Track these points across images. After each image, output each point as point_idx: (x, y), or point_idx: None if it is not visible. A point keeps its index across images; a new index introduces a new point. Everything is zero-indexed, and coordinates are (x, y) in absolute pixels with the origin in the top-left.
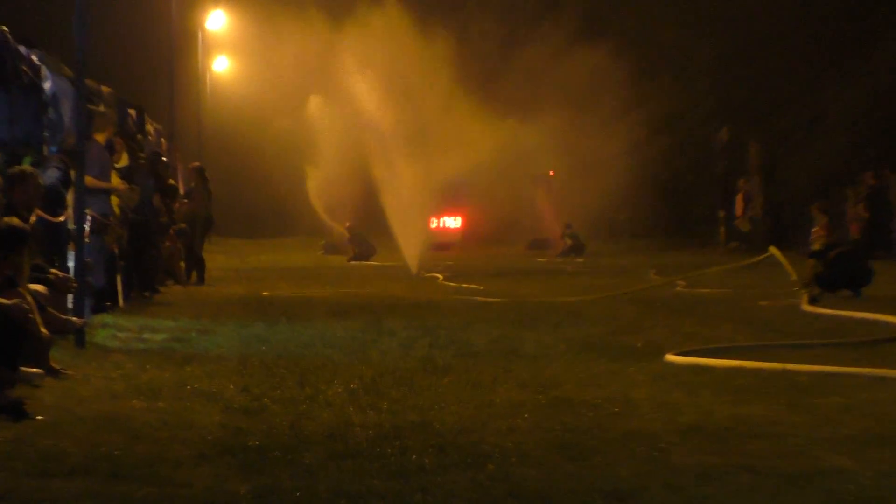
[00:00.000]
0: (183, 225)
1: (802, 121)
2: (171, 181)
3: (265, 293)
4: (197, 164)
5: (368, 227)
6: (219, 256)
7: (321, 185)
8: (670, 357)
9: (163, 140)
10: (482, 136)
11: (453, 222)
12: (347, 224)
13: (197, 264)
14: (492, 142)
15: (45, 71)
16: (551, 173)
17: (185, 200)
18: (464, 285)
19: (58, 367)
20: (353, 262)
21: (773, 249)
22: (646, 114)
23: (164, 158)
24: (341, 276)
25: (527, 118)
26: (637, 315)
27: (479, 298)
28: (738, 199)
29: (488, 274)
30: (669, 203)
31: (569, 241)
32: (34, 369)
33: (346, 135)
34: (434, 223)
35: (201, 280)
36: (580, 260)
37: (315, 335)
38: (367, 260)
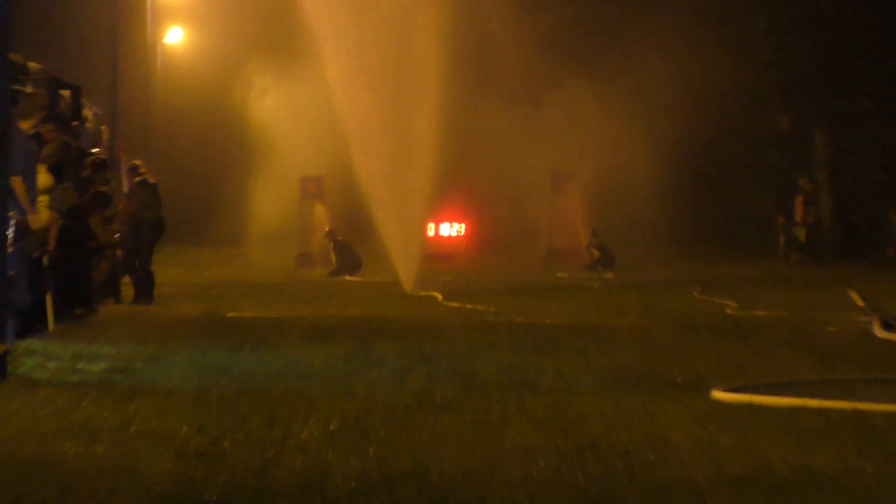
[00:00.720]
0: (116, 232)
1: (876, 104)
2: (104, 188)
3: (227, 314)
4: (136, 161)
5: (352, 235)
6: (170, 269)
7: (294, 184)
8: (718, 393)
9: (103, 128)
10: (489, 123)
11: (454, 229)
12: (327, 229)
13: (143, 279)
14: (502, 131)
15: None
16: (573, 169)
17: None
18: (468, 305)
19: None
20: (333, 277)
21: (853, 294)
22: (690, 95)
23: (95, 152)
24: (319, 294)
25: (545, 101)
26: (678, 341)
27: (488, 319)
28: (798, 201)
29: (497, 291)
30: (717, 204)
31: (595, 252)
32: None
33: (324, 121)
34: (431, 230)
35: (149, 297)
36: (609, 275)
37: (287, 364)
38: (352, 275)
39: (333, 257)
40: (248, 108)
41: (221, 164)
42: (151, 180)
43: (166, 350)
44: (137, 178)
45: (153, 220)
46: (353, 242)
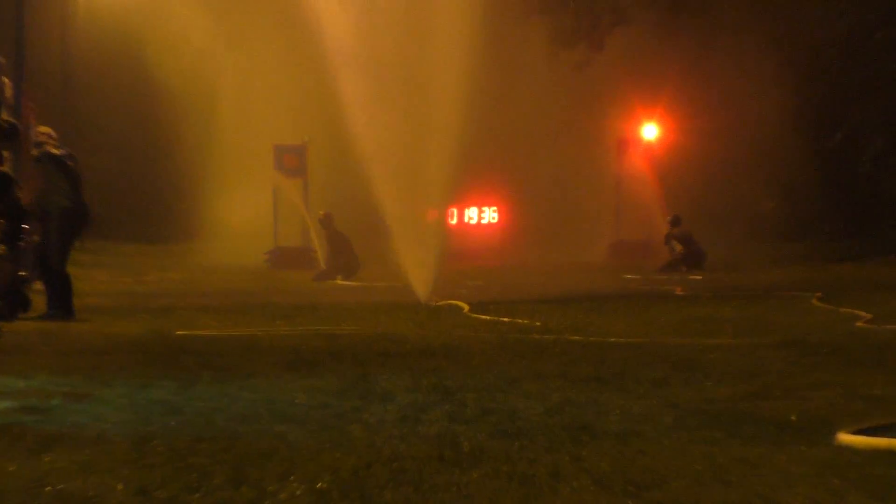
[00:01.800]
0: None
1: None
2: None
3: (177, 332)
4: (42, 129)
5: (345, 225)
6: (98, 272)
7: (265, 157)
8: (845, 436)
9: (5, 80)
10: (533, 73)
11: (485, 216)
12: (322, 214)
13: (56, 285)
14: (550, 84)
15: None
16: (643, 135)
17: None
18: (504, 319)
19: None
20: (321, 281)
21: None
22: (790, 48)
23: None
24: (302, 305)
25: (608, 43)
26: (790, 367)
27: (532, 338)
28: None
29: (544, 299)
30: (844, 184)
31: (678, 247)
32: None
33: (305, 75)
34: (454, 217)
35: (66, 310)
36: (697, 276)
37: (259, 401)
38: (347, 278)
39: (322, 253)
40: (201, 68)
41: (166, 139)
42: (56, 152)
43: (94, 382)
44: (36, 152)
45: (65, 207)
46: (350, 235)
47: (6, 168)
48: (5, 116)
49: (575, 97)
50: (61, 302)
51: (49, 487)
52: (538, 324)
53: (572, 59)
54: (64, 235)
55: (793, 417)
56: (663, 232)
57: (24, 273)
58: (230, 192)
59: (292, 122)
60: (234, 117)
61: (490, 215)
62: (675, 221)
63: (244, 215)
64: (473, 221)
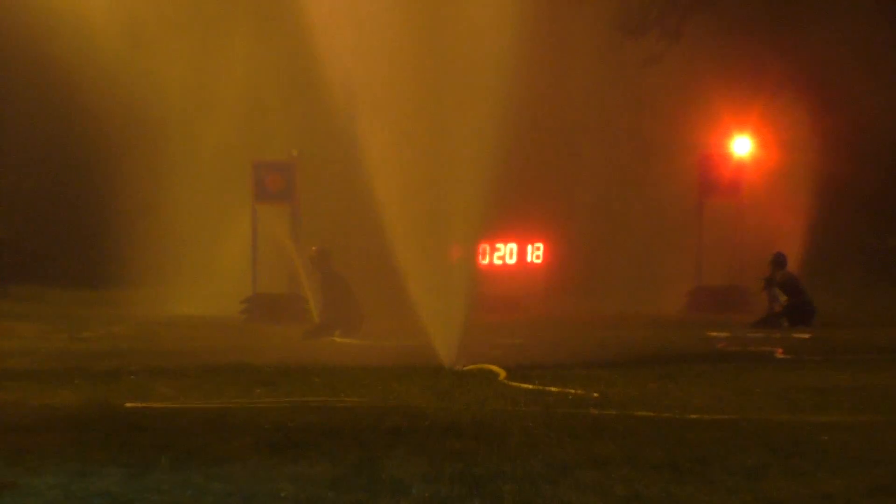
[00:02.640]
0: None
1: None
2: None
3: (126, 404)
4: None
5: (345, 267)
6: (21, 325)
7: (240, 178)
8: None
9: None
10: (588, 70)
11: (527, 254)
12: (314, 249)
13: None
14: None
15: None
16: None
17: None
18: (551, 388)
19: None
20: (313, 339)
21: None
22: None
23: None
24: (289, 369)
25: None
26: None
27: (587, 413)
28: None
29: (602, 363)
30: None
31: (781, 297)
32: None
33: (291, 75)
34: (486, 256)
35: None
36: (803, 334)
37: (234, 494)
38: (347, 335)
39: (315, 302)
40: (156, 66)
41: (112, 154)
42: None
43: (18, 469)
44: None
45: None
46: (351, 279)
47: None
48: None
49: (643, 102)
50: None
51: None
52: (596, 395)
53: (640, 51)
54: None
55: None
56: (762, 275)
57: None
58: (195, 223)
59: (275, 134)
60: (201, 127)
61: (532, 254)
62: (779, 262)
63: (213, 253)
64: (511, 261)
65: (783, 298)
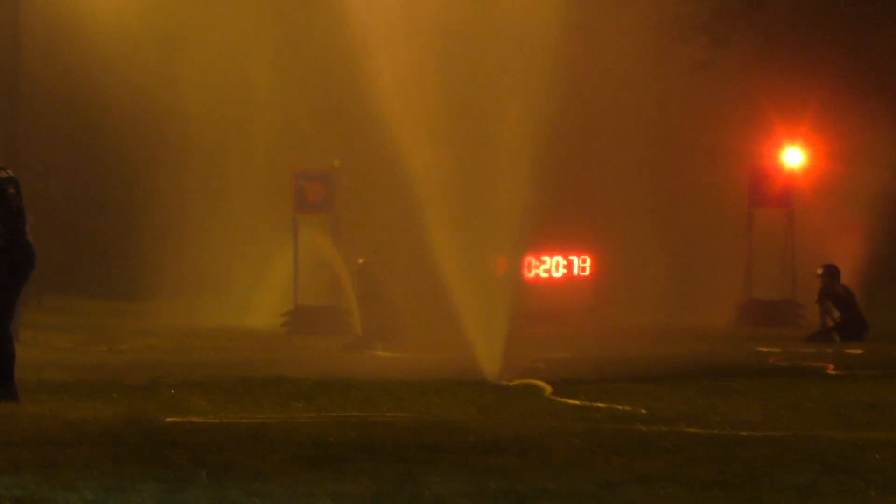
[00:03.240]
0: None
1: None
2: None
3: (164, 418)
4: None
5: (391, 280)
6: (58, 337)
7: (280, 187)
8: None
9: None
10: (635, 78)
11: (573, 267)
12: (361, 261)
13: None
14: (658, 92)
15: None
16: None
17: None
18: (598, 404)
19: None
20: (354, 352)
21: None
22: None
23: None
24: (329, 382)
25: (735, 38)
26: None
27: (635, 429)
28: None
29: (651, 378)
30: None
31: (835, 312)
32: None
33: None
34: (531, 269)
35: (7, 388)
36: (856, 350)
37: None
38: (388, 348)
39: (357, 314)
40: (195, 72)
41: (148, 161)
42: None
43: (52, 484)
44: None
45: (1, 245)
46: (397, 290)
47: None
48: None
49: (692, 111)
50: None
51: None
52: (643, 411)
53: (689, 59)
54: (10, 289)
55: None
56: (815, 288)
57: None
58: (234, 234)
59: (317, 144)
60: (240, 135)
61: (578, 265)
62: (832, 275)
63: (253, 264)
64: (557, 274)
65: (836, 314)
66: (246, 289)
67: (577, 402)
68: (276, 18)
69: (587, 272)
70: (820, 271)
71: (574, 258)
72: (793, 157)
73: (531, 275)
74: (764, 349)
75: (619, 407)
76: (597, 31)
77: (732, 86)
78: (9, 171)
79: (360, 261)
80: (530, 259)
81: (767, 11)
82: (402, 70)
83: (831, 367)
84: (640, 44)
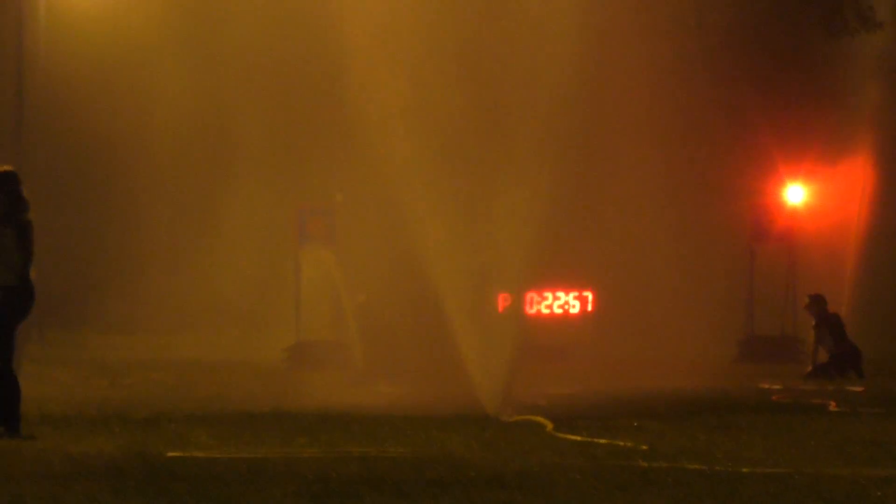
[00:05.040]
0: None
1: None
2: None
3: (167, 453)
4: (6, 169)
5: (393, 314)
6: (59, 371)
7: (282, 222)
8: None
9: None
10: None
11: (573, 303)
12: (362, 299)
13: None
14: (659, 133)
15: None
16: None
17: None
18: (599, 441)
19: None
20: (357, 387)
21: None
22: None
23: None
24: (331, 418)
25: (736, 81)
26: None
27: (637, 465)
28: None
29: (652, 414)
30: None
31: (830, 343)
32: None
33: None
34: (533, 305)
35: (12, 424)
36: (857, 388)
37: None
38: (391, 383)
39: (358, 350)
40: (198, 108)
41: (151, 195)
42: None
43: None
44: None
45: (12, 285)
46: (396, 323)
47: None
48: None
49: (694, 146)
50: (4, 412)
51: None
52: (645, 447)
53: (691, 93)
54: (8, 322)
55: None
56: (808, 322)
57: None
58: (236, 268)
59: (320, 180)
60: (244, 169)
61: (581, 302)
62: (818, 303)
63: (254, 298)
64: (559, 310)
65: (830, 343)
66: (248, 323)
67: (578, 438)
68: (281, 46)
69: (589, 308)
70: (807, 301)
71: (576, 294)
72: (795, 193)
73: (533, 311)
74: (765, 385)
75: (621, 443)
76: (597, 66)
77: (736, 123)
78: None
79: (361, 298)
80: (532, 295)
81: (768, 48)
82: (402, 103)
83: (833, 403)
84: (642, 79)
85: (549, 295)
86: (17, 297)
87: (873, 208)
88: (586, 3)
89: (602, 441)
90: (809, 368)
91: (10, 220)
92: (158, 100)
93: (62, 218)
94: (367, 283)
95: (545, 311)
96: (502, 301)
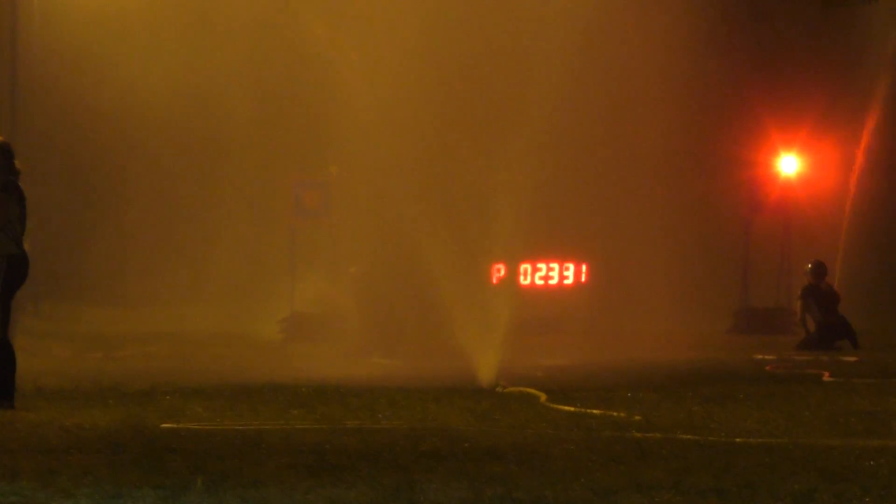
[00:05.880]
0: None
1: None
2: None
3: (161, 424)
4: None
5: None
6: (55, 344)
7: (276, 194)
8: None
9: None
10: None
11: (567, 275)
12: (353, 270)
13: None
14: (654, 104)
15: None
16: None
17: None
18: (593, 411)
19: None
20: (352, 359)
21: None
22: None
23: None
24: (326, 390)
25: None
26: None
27: (630, 436)
28: None
29: (645, 385)
30: None
31: (816, 312)
32: None
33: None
34: (527, 276)
35: (6, 395)
36: (850, 358)
37: None
38: (385, 355)
39: (354, 322)
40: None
41: (145, 169)
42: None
43: (50, 491)
44: None
45: (14, 254)
46: (391, 294)
47: None
48: None
49: (689, 118)
50: (2, 385)
51: None
52: (638, 418)
53: (688, 66)
54: (9, 291)
55: None
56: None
57: None
58: (231, 240)
59: (314, 150)
60: (238, 141)
61: (575, 273)
62: (817, 273)
63: (249, 270)
64: (553, 281)
65: (816, 313)
66: (243, 295)
67: (572, 409)
68: (274, 23)
69: (583, 279)
70: (809, 267)
71: (570, 265)
72: (789, 164)
73: (527, 282)
74: (760, 357)
75: (615, 414)
76: (590, 39)
77: (730, 94)
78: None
79: (352, 269)
80: (526, 266)
81: (763, 18)
82: (397, 76)
83: (827, 374)
84: (635, 51)
85: (543, 266)
86: (17, 267)
87: (868, 178)
88: None
89: (596, 412)
90: (804, 337)
91: (10, 189)
92: (150, 74)
93: (55, 191)
94: (359, 254)
95: (539, 282)
96: (496, 272)
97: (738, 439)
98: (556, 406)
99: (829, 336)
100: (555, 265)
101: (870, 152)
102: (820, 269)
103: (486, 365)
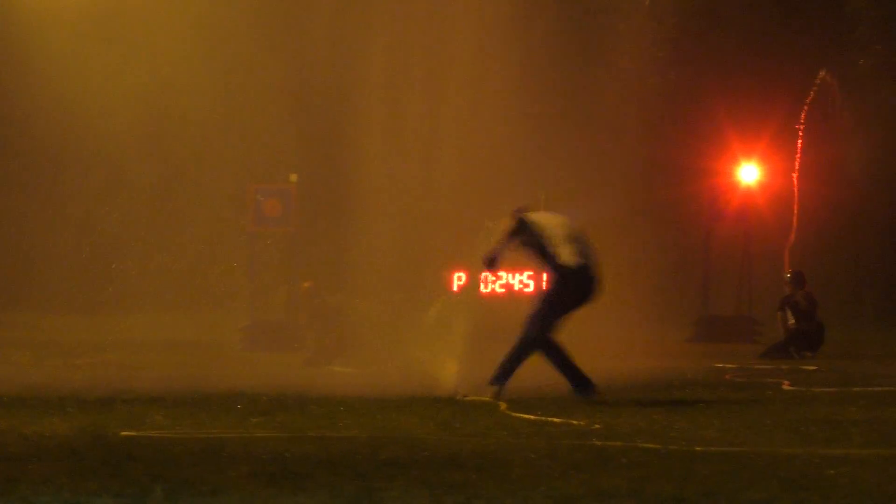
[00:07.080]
0: None
1: None
2: None
3: (120, 432)
4: None
5: (347, 292)
6: (13, 352)
7: (233, 201)
8: None
9: None
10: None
11: (529, 281)
12: (307, 285)
13: None
14: (614, 114)
15: None
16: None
17: None
18: (553, 419)
19: None
20: (312, 367)
21: None
22: None
23: None
24: (286, 398)
25: (694, 61)
26: None
27: (591, 444)
28: None
29: (610, 393)
30: None
31: (790, 321)
32: None
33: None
34: (487, 284)
35: None
36: (809, 367)
37: None
38: (344, 364)
39: (310, 331)
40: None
41: (105, 174)
42: None
43: (10, 500)
44: None
45: None
46: (347, 306)
47: None
48: None
49: (649, 127)
50: None
51: None
52: (599, 426)
53: (647, 74)
54: None
55: None
56: (776, 300)
57: None
58: (190, 248)
59: (273, 160)
60: (200, 149)
61: (535, 281)
62: (795, 282)
63: (209, 277)
64: (514, 288)
65: (791, 322)
66: (203, 303)
67: (533, 417)
68: (242, 37)
69: (544, 287)
70: (788, 276)
71: (530, 273)
72: (749, 173)
73: (487, 290)
74: (721, 365)
75: (575, 422)
76: (553, 48)
77: (690, 103)
78: None
79: (305, 285)
80: (486, 274)
81: (725, 30)
82: (359, 83)
83: (787, 383)
84: (594, 59)
85: (503, 274)
86: None
87: (829, 187)
88: None
89: (557, 420)
90: (781, 339)
91: None
92: (109, 82)
93: (10, 199)
94: (320, 261)
95: (500, 290)
96: (456, 280)
97: (698, 448)
98: (516, 414)
99: (805, 343)
100: (515, 274)
101: (825, 160)
102: (799, 279)
103: (447, 373)
